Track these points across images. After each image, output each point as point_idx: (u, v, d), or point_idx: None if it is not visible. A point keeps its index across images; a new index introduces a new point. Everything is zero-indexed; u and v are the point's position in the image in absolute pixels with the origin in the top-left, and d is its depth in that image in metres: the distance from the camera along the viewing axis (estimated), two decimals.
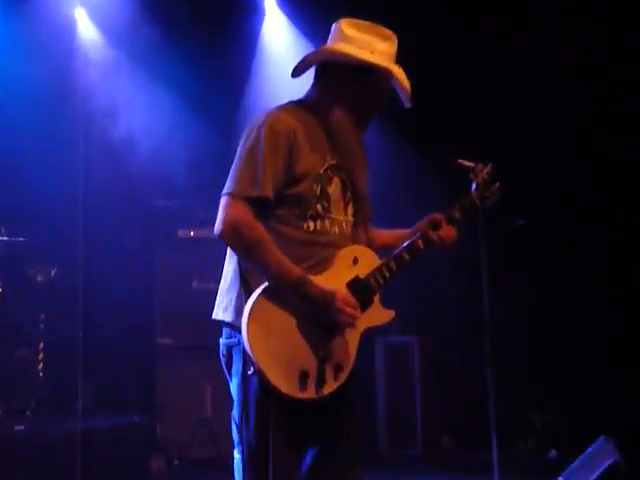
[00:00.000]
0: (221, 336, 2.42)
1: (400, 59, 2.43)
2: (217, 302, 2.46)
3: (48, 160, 5.26)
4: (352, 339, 2.36)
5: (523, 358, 5.21)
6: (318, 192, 2.39)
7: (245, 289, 2.31)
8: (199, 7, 5.59)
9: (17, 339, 5.18)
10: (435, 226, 2.52)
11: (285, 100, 2.50)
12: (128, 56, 5.72)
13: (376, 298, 2.42)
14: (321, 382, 2.27)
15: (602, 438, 3.50)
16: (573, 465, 3.51)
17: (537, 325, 5.27)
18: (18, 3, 5.41)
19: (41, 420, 4.93)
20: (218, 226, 2.27)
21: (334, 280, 2.33)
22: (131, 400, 5.42)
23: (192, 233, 5.61)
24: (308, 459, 2.44)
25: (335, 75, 2.46)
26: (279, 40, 6.13)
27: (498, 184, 2.64)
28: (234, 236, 2.27)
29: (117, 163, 5.48)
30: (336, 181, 2.44)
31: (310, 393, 2.26)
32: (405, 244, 2.47)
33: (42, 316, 5.25)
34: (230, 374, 2.41)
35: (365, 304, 2.37)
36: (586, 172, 5.28)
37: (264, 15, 6.17)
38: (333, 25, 2.52)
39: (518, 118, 5.40)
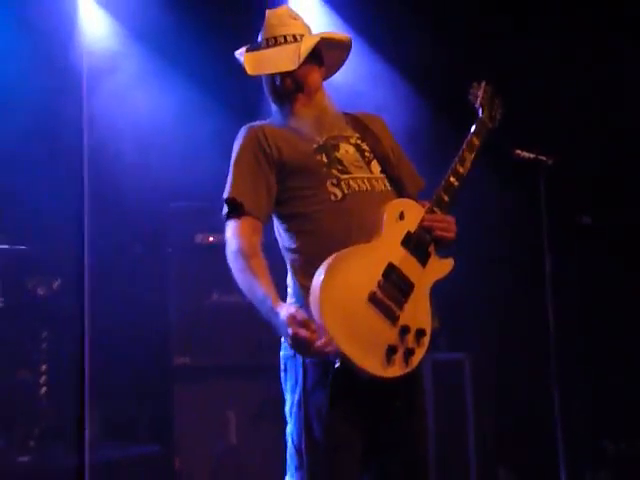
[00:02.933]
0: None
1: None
2: None
3: (52, 164, 5.20)
4: (424, 300, 2.41)
5: (594, 377, 5.15)
6: (325, 160, 2.51)
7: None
8: None
9: (17, 360, 5.13)
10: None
11: None
12: (137, 42, 5.66)
13: (432, 249, 2.44)
14: (409, 353, 2.29)
15: None
16: None
17: (609, 340, 5.15)
18: None
19: (46, 451, 4.87)
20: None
21: (386, 244, 2.38)
22: (144, 429, 5.35)
23: (211, 238, 5.50)
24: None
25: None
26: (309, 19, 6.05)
27: (499, 99, 2.83)
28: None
29: (125, 164, 5.39)
30: (345, 146, 2.57)
31: (398, 368, 2.27)
32: (440, 187, 2.54)
33: (44, 334, 5.17)
34: (285, 391, 2.49)
35: (425, 259, 2.42)
36: None
37: None
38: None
39: (587, 110, 5.30)
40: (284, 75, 2.59)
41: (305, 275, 2.37)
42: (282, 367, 2.49)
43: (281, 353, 2.49)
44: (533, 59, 5.31)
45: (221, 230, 5.30)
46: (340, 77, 3.01)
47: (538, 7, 5.31)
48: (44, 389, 5.09)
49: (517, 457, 5.44)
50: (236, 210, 2.48)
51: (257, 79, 2.69)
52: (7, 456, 4.73)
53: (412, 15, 5.38)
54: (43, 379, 5.09)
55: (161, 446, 5.12)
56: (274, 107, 2.71)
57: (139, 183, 5.38)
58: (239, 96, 5.24)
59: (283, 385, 2.51)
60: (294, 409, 2.40)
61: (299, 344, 2.18)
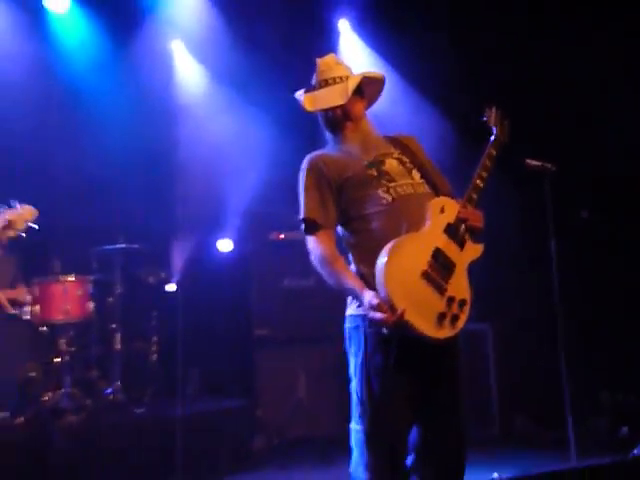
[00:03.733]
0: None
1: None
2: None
3: (153, 178, 5.46)
4: (463, 276, 2.47)
5: (594, 339, 5.10)
6: (376, 173, 2.57)
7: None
8: (286, 34, 5.64)
9: (133, 336, 5.35)
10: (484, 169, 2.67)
11: None
12: (219, 80, 5.83)
13: (467, 236, 2.51)
14: (455, 318, 2.35)
15: None
16: None
17: (605, 308, 5.12)
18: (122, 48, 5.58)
19: (156, 404, 5.07)
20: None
21: (431, 232, 2.46)
22: (233, 387, 5.46)
23: (282, 236, 5.62)
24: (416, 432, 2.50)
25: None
26: (353, 58, 6.13)
27: (507, 120, 2.83)
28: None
29: (208, 176, 5.55)
30: (389, 161, 2.62)
31: (447, 330, 2.34)
32: (470, 188, 2.60)
33: (154, 313, 5.42)
34: (349, 354, 2.52)
35: (462, 243, 2.49)
36: None
37: (339, 36, 6.21)
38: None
39: (583, 109, 5.27)
40: (335, 108, 2.65)
41: (364, 264, 2.47)
42: (347, 336, 2.55)
43: (346, 325, 2.56)
44: (536, 84, 5.34)
45: (288, 229, 5.56)
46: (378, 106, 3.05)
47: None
48: (155, 356, 5.36)
49: (531, 407, 5.42)
50: (312, 226, 2.56)
51: (313, 114, 2.74)
52: (127, 409, 4.89)
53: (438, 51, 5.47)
54: (154, 348, 5.37)
55: (246, 400, 5.24)
56: (329, 136, 2.76)
57: (220, 193, 5.65)
58: (298, 125, 5.56)
59: (348, 350, 2.54)
60: (357, 369, 2.45)
61: (376, 323, 2.31)
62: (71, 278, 4.93)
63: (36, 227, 2.85)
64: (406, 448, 2.48)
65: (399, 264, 2.34)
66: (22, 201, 3.32)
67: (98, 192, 5.21)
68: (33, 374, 4.67)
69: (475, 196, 2.58)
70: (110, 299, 5.29)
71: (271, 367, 5.33)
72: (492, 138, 2.78)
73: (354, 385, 2.49)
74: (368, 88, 2.80)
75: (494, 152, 2.74)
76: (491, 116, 2.85)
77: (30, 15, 5.33)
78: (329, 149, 2.74)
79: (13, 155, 4.71)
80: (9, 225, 2.76)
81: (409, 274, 2.35)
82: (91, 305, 5.03)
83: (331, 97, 2.70)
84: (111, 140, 5.18)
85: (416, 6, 5.50)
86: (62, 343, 4.87)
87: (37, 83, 5.09)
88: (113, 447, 4.35)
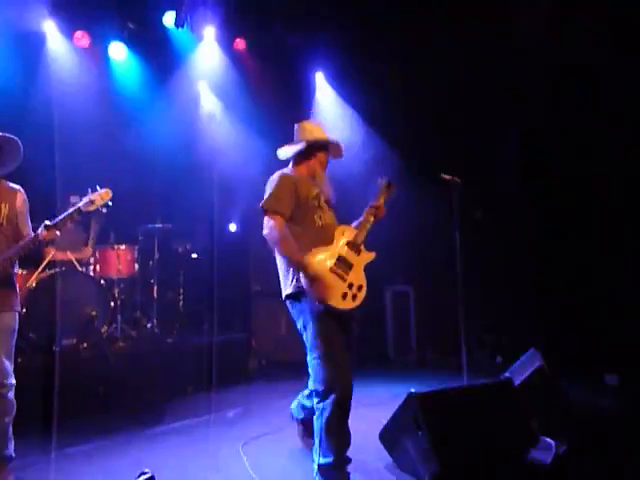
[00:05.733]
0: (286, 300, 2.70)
1: None
2: (282, 287, 2.71)
3: (183, 180, 5.28)
4: (360, 271, 2.65)
5: (481, 299, 5.00)
6: (316, 204, 2.74)
7: (295, 274, 2.60)
8: (277, 80, 5.56)
9: (166, 288, 5.29)
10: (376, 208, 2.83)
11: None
12: (231, 110, 5.70)
13: (362, 247, 2.72)
14: (354, 297, 2.57)
15: (532, 350, 3.44)
16: (513, 366, 3.45)
17: (489, 280, 5.10)
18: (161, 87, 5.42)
19: (183, 336, 5.03)
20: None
21: (337, 246, 2.68)
22: (238, 324, 5.41)
23: None
24: None
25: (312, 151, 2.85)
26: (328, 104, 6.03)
27: (393, 186, 2.91)
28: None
29: (225, 179, 5.41)
30: (321, 197, 2.78)
31: (349, 304, 2.56)
32: (362, 219, 2.80)
33: (181, 272, 5.35)
34: (296, 317, 2.68)
35: (359, 252, 2.70)
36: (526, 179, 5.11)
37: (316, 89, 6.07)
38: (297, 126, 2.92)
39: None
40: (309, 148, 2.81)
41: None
42: (292, 304, 2.67)
43: (291, 296, 2.64)
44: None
45: None
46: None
47: None
48: (181, 302, 5.31)
49: (437, 343, 5.44)
50: (275, 211, 2.60)
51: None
52: (160, 338, 4.86)
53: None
54: (181, 297, 5.31)
55: (245, 334, 5.22)
56: (292, 166, 2.85)
57: (230, 191, 5.49)
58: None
59: (296, 312, 2.66)
60: (308, 323, 2.59)
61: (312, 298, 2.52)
62: (122, 246, 4.88)
63: (110, 204, 2.81)
64: (346, 363, 2.59)
65: (317, 264, 2.55)
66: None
67: (143, 186, 5.07)
68: (94, 313, 4.59)
69: (368, 226, 2.76)
70: (150, 262, 5.21)
71: (263, 312, 5.30)
72: (380, 193, 2.85)
73: (308, 333, 2.59)
74: (333, 147, 2.91)
75: (382, 200, 2.84)
76: (383, 181, 2.89)
77: (100, 62, 5.24)
78: (294, 172, 2.83)
79: (88, 159, 4.62)
80: (91, 203, 2.72)
81: (323, 270, 2.55)
82: (136, 266, 4.98)
83: (291, 149, 2.86)
84: (153, 150, 5.06)
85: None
86: (115, 292, 4.84)
87: (102, 108, 5.00)
88: (150, 366, 4.30)
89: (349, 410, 2.57)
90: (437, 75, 5.06)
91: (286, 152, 2.86)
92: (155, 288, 5.10)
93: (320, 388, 2.55)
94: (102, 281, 4.67)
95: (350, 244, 2.68)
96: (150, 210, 5.17)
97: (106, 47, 5.22)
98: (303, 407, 3.00)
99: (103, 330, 4.50)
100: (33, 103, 4.69)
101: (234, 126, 5.62)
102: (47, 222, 2.66)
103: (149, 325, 4.98)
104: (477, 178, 4.90)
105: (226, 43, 5.48)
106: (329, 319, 2.55)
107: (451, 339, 4.15)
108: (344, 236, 2.71)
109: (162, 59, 5.33)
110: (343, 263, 2.60)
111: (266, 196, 2.65)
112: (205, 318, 5.16)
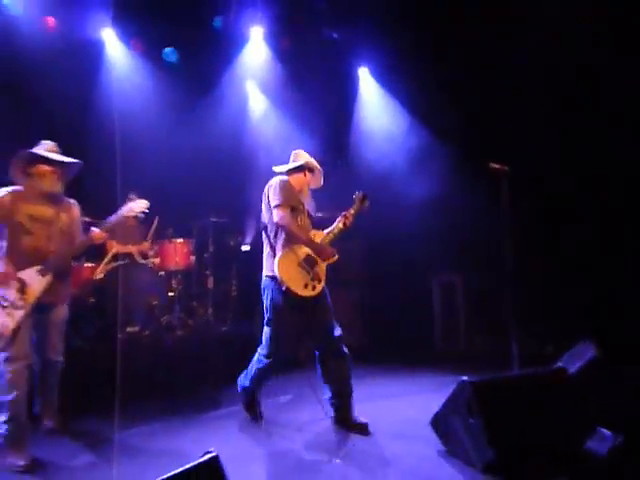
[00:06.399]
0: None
1: None
2: (264, 267, 3.20)
3: (235, 177, 5.36)
4: (322, 268, 3.18)
5: (531, 291, 4.81)
6: (301, 208, 3.25)
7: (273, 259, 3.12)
8: (322, 75, 5.56)
9: (220, 279, 5.42)
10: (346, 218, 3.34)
11: None
12: (277, 107, 5.77)
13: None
14: (313, 287, 3.11)
15: (585, 340, 3.32)
16: (566, 355, 3.34)
17: (543, 265, 4.87)
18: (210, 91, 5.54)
19: (236, 324, 5.15)
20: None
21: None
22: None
23: (320, 214, 5.34)
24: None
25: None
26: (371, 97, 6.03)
27: (367, 199, 3.42)
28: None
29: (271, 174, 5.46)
30: (304, 205, 3.30)
31: (310, 292, 3.09)
32: (334, 225, 3.33)
33: (234, 265, 5.48)
34: (264, 293, 3.15)
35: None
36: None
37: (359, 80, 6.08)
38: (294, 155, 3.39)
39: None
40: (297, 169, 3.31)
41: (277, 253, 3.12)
42: (263, 286, 3.16)
43: (264, 279, 3.15)
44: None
45: (319, 210, 5.46)
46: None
47: None
48: (234, 293, 5.43)
49: (487, 331, 5.25)
50: (287, 207, 3.11)
51: None
52: (215, 327, 4.98)
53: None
54: (234, 288, 5.44)
55: None
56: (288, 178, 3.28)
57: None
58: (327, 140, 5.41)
59: (263, 294, 3.15)
60: (269, 300, 3.10)
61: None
62: (180, 240, 5.01)
63: (146, 212, 3.07)
64: (292, 345, 3.19)
65: (289, 258, 3.10)
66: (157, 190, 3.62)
67: (198, 183, 5.19)
68: (155, 302, 4.80)
69: (333, 235, 3.29)
70: (205, 255, 5.34)
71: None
72: (345, 213, 3.33)
73: (268, 307, 3.12)
74: (314, 173, 3.39)
75: (346, 222, 3.32)
76: (357, 197, 3.39)
77: (154, 65, 5.42)
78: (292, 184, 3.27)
79: (147, 158, 4.79)
80: (131, 210, 2.98)
81: (292, 264, 3.10)
82: (193, 258, 5.10)
83: (289, 165, 3.38)
84: (207, 149, 5.18)
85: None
86: (174, 283, 5.00)
87: (159, 109, 5.19)
88: (206, 351, 4.42)
89: (277, 371, 3.26)
90: (486, 60, 4.92)
91: (282, 168, 3.35)
92: (210, 279, 5.23)
93: (264, 351, 3.18)
94: (162, 272, 4.86)
95: (320, 245, 3.28)
96: (205, 206, 5.28)
97: (160, 51, 5.40)
98: (246, 374, 3.39)
99: (163, 319, 4.69)
100: (94, 106, 4.91)
101: (281, 122, 5.67)
102: (94, 229, 3.05)
103: (205, 315, 5.11)
104: (525, 165, 4.79)
105: (273, 42, 5.54)
106: (286, 300, 3.05)
107: (500, 328, 4.08)
108: (315, 237, 3.26)
109: (213, 60, 5.45)
110: (310, 260, 3.14)
111: (277, 195, 3.14)
112: (256, 308, 5.20)
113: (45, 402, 3.16)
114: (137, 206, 3.05)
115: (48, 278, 2.92)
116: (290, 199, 3.15)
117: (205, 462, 1.92)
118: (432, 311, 5.75)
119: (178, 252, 4.95)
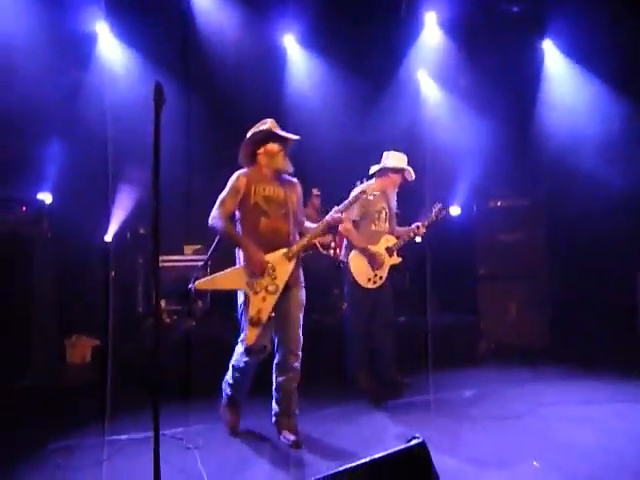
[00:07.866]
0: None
1: None
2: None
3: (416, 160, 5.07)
4: (385, 269, 3.65)
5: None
6: (376, 213, 3.58)
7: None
8: (502, 57, 5.21)
9: (394, 269, 4.94)
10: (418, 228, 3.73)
11: None
12: (452, 95, 5.58)
13: (394, 253, 3.70)
14: (375, 282, 3.62)
15: None
16: None
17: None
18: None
19: (411, 316, 4.90)
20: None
21: (379, 245, 3.67)
22: (462, 307, 5.24)
23: (499, 203, 5.28)
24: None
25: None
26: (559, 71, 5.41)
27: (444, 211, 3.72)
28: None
29: (449, 160, 5.29)
30: (385, 209, 3.62)
31: (371, 284, 3.59)
32: (404, 233, 3.72)
33: (406, 255, 4.87)
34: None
35: (391, 255, 3.68)
36: None
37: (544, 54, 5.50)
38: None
39: None
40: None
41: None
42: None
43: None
44: None
45: (501, 198, 5.08)
46: None
47: None
48: (407, 284, 5.32)
49: None
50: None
51: None
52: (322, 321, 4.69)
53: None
54: (407, 278, 5.32)
55: (473, 316, 5.03)
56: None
57: (453, 173, 5.35)
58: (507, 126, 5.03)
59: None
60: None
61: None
62: None
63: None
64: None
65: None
66: None
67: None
68: (337, 291, 4.94)
69: (400, 242, 3.68)
70: None
71: (489, 294, 5.13)
72: (419, 223, 3.66)
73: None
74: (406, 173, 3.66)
75: (417, 232, 3.69)
76: (434, 209, 3.67)
77: (328, 63, 5.44)
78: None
79: (327, 154, 4.98)
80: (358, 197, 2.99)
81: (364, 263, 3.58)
82: None
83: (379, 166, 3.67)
84: (378, 141, 4.93)
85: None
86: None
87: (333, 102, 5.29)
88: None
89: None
90: None
91: (374, 168, 3.62)
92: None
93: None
94: (341, 264, 5.01)
95: (387, 248, 3.63)
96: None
97: (335, 50, 5.42)
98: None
99: (343, 307, 4.83)
100: (284, 101, 5.18)
101: (455, 108, 5.45)
102: (337, 207, 2.91)
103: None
104: None
105: (449, 25, 5.30)
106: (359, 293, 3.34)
107: None
108: (386, 242, 3.63)
109: (387, 52, 5.38)
110: (375, 260, 3.54)
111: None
112: (429, 299, 5.07)
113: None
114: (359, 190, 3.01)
115: (294, 261, 2.84)
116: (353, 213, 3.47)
117: (411, 447, 1.89)
118: (636, 308, 4.96)
119: None
